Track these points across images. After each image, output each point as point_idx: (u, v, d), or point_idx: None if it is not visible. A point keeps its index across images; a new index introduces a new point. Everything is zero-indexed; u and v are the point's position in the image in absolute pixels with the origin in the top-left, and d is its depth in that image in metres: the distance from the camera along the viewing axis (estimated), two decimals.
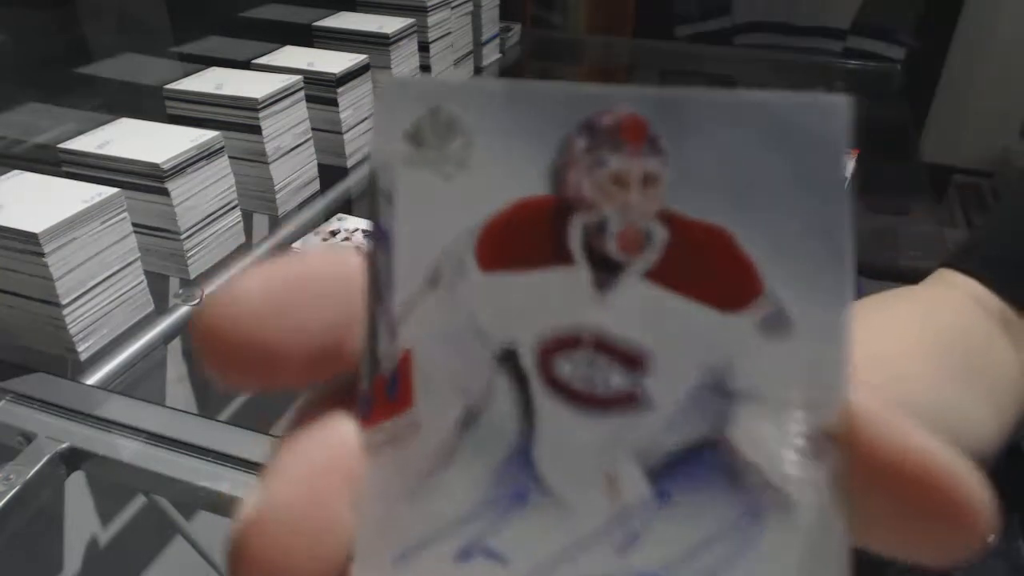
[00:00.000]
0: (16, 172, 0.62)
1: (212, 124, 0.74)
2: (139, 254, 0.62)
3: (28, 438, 0.53)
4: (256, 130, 0.75)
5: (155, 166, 0.64)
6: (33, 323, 0.58)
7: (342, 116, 0.87)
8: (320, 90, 0.85)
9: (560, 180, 0.13)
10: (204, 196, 0.68)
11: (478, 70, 1.20)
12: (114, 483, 0.75)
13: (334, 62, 0.87)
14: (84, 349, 0.59)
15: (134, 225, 0.62)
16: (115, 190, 0.59)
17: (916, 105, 1.69)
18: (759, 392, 0.13)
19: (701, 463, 0.13)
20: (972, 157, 1.95)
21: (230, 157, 0.71)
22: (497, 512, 0.13)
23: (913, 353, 0.30)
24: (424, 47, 1.03)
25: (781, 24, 1.82)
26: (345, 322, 0.13)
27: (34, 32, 0.70)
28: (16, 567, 0.70)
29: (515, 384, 0.13)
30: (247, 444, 0.53)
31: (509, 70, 1.28)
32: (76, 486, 0.75)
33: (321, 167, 0.85)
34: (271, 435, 0.54)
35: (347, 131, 0.88)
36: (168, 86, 0.77)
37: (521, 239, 0.13)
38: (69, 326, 0.57)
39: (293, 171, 0.81)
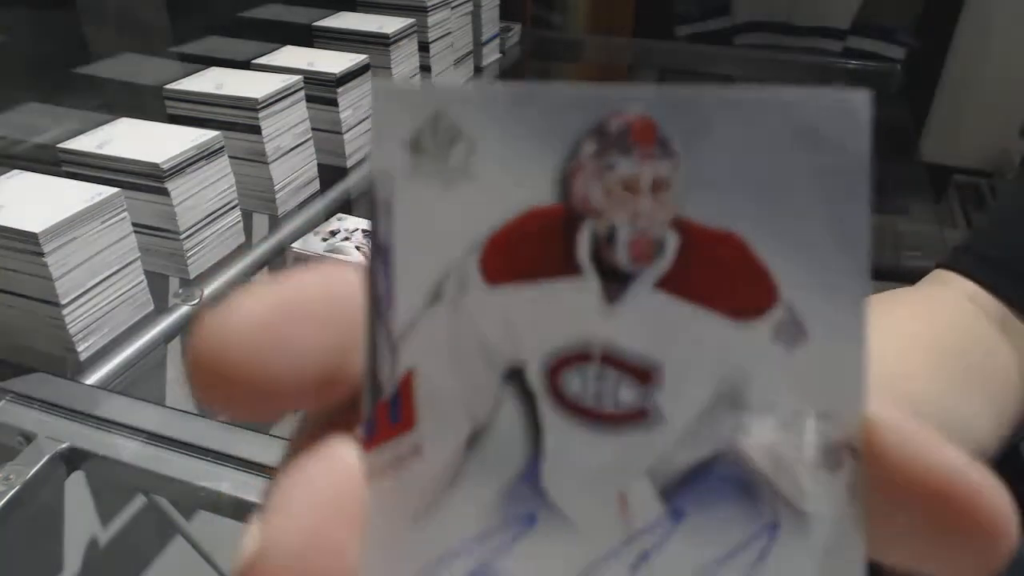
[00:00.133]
0: (16, 172, 0.62)
1: (212, 124, 0.74)
2: (139, 254, 0.62)
3: (28, 438, 0.53)
4: (256, 130, 0.75)
5: (155, 166, 0.64)
6: (33, 323, 0.58)
7: (342, 116, 0.87)
8: (320, 90, 0.85)
9: (567, 187, 0.13)
10: (204, 196, 0.68)
11: (478, 70, 1.20)
12: (114, 483, 0.75)
13: (334, 62, 0.87)
14: (84, 349, 0.59)
15: (134, 225, 0.62)
16: (115, 190, 0.59)
17: (916, 105, 1.69)
18: (774, 403, 0.13)
19: (715, 478, 0.13)
20: (972, 157, 1.95)
21: (230, 157, 0.71)
22: (505, 534, 0.13)
23: (911, 354, 0.30)
24: (424, 47, 1.03)
25: (781, 24, 1.82)
26: (344, 344, 0.13)
27: (34, 32, 0.70)
28: (16, 567, 0.70)
29: (522, 402, 0.13)
30: (247, 444, 0.52)
31: (509, 70, 1.28)
32: (76, 486, 0.75)
33: (321, 167, 0.85)
34: (271, 435, 0.54)
35: (347, 131, 0.88)
36: (168, 86, 0.77)
37: (527, 250, 0.13)
38: (69, 326, 0.57)
39: (293, 171, 0.81)
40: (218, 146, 0.69)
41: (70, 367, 0.60)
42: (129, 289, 0.62)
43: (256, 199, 0.80)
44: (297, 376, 0.12)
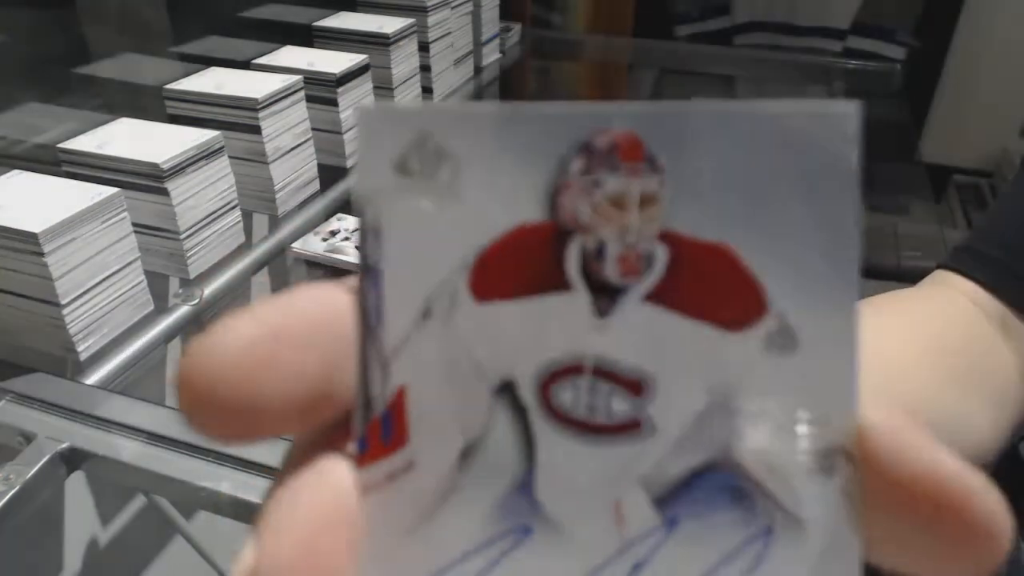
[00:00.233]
0: (16, 172, 0.62)
1: (212, 124, 0.74)
2: (139, 254, 0.62)
3: (28, 438, 0.53)
4: (256, 130, 0.75)
5: (155, 166, 0.64)
6: (33, 323, 0.58)
7: (342, 116, 0.87)
8: (320, 90, 0.85)
9: (555, 204, 0.13)
10: (204, 196, 0.68)
11: (478, 70, 1.20)
12: (114, 483, 0.75)
13: (334, 62, 0.87)
14: (84, 349, 0.59)
15: (134, 225, 0.62)
16: (115, 190, 0.59)
17: (916, 105, 1.69)
18: (766, 411, 0.13)
19: (708, 486, 0.13)
20: (972, 157, 1.95)
21: (230, 157, 0.71)
22: (500, 547, 0.13)
23: (910, 355, 0.30)
24: (424, 47, 1.03)
25: (781, 24, 1.82)
26: (334, 364, 0.13)
27: (34, 32, 0.70)
28: (16, 567, 0.70)
29: (514, 416, 0.13)
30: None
31: (509, 70, 1.28)
32: (76, 486, 0.75)
33: (321, 167, 0.85)
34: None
35: (347, 131, 0.88)
36: (168, 86, 0.77)
37: (516, 267, 0.13)
38: (69, 326, 0.57)
39: (293, 171, 0.81)
40: (218, 146, 0.69)
41: (70, 367, 0.60)
42: (129, 289, 0.62)
43: (256, 199, 0.80)
44: (287, 399, 0.12)
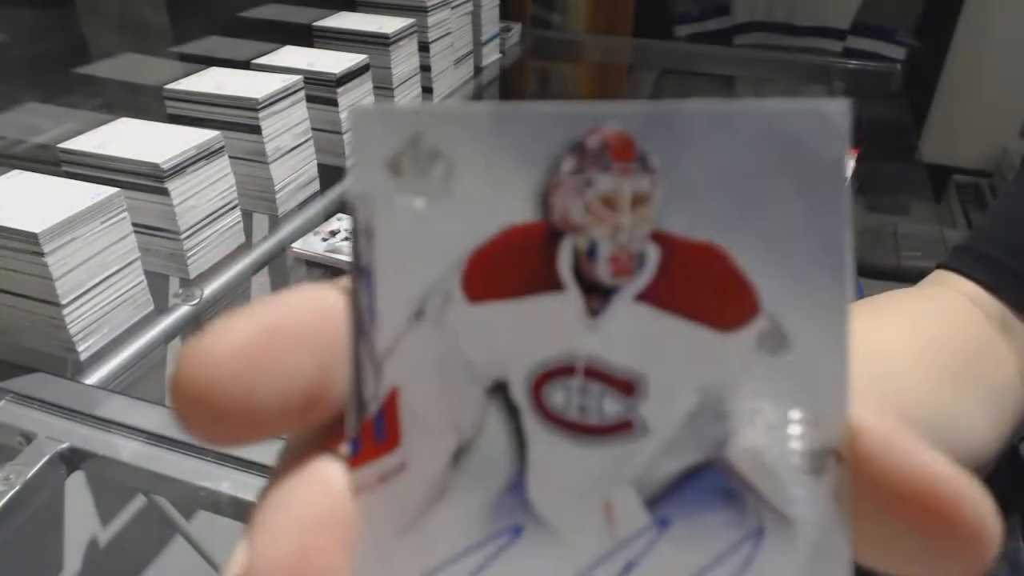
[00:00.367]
0: (16, 172, 0.62)
1: (212, 124, 0.74)
2: (139, 254, 0.62)
3: (28, 438, 0.53)
4: (256, 130, 0.75)
5: (155, 166, 0.64)
6: (33, 323, 0.58)
7: (342, 116, 0.87)
8: (320, 90, 0.85)
9: (547, 203, 0.13)
10: (204, 196, 0.68)
11: (478, 70, 1.20)
12: (114, 483, 0.75)
13: (334, 62, 0.87)
14: (84, 349, 0.59)
15: (134, 225, 0.62)
16: (115, 190, 0.59)
17: (916, 105, 1.69)
18: (758, 411, 0.13)
19: (700, 486, 0.13)
20: (972, 157, 1.95)
21: (230, 157, 0.71)
22: (492, 547, 0.13)
23: (909, 356, 0.30)
24: (424, 47, 1.03)
25: (781, 24, 1.82)
26: (328, 366, 0.13)
27: (34, 32, 0.70)
28: (16, 567, 0.70)
29: (506, 416, 0.13)
30: None
31: (509, 70, 1.28)
32: (76, 486, 0.75)
33: (321, 167, 0.85)
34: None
35: (347, 131, 0.88)
36: (168, 86, 0.77)
37: (509, 267, 0.13)
38: (69, 326, 0.57)
39: (293, 171, 0.81)
40: (218, 146, 0.69)
41: (70, 367, 0.60)
42: (129, 289, 0.62)
43: (256, 199, 0.80)
44: (281, 401, 0.12)
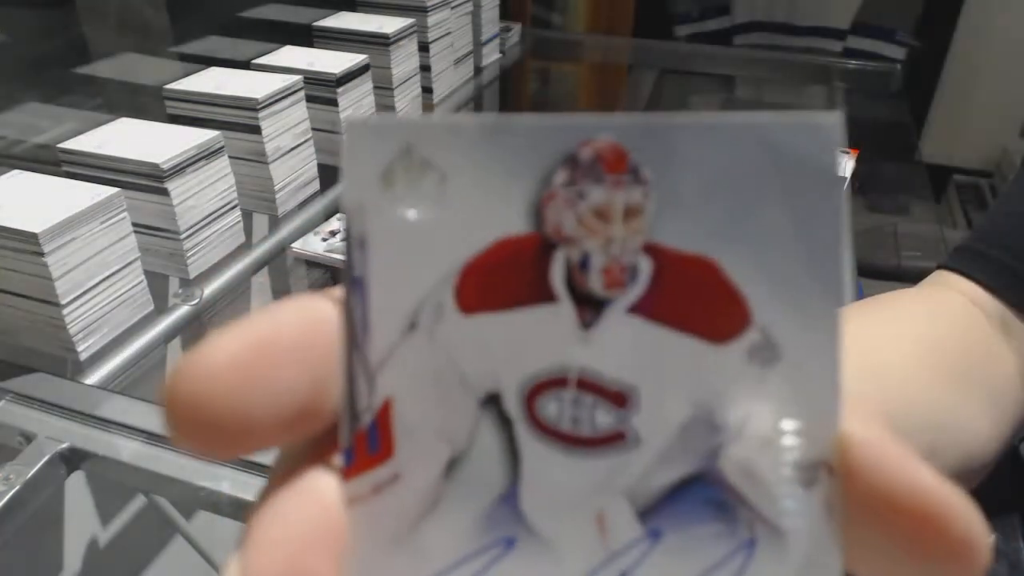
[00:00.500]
0: (16, 172, 0.62)
1: (212, 124, 0.74)
2: (139, 254, 0.62)
3: (28, 438, 0.53)
4: (256, 130, 0.75)
5: (155, 166, 0.64)
6: (33, 323, 0.58)
7: (342, 116, 0.87)
8: (320, 90, 0.85)
9: (540, 216, 0.13)
10: (204, 196, 0.68)
11: (478, 70, 1.20)
12: (114, 483, 0.75)
13: (334, 62, 0.87)
14: (84, 349, 0.59)
15: (134, 225, 0.62)
16: (115, 190, 0.59)
17: (916, 105, 1.69)
18: (749, 423, 0.13)
19: (692, 498, 0.13)
20: (972, 157, 1.95)
21: (230, 157, 0.71)
22: (485, 558, 0.13)
23: (910, 357, 0.30)
24: (424, 47, 1.03)
25: (781, 24, 1.82)
26: (321, 377, 0.13)
27: (34, 32, 0.70)
28: (16, 567, 0.70)
29: (499, 427, 0.13)
30: None
31: (509, 70, 1.28)
32: (76, 486, 0.75)
33: (321, 167, 0.85)
34: None
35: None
36: (168, 86, 0.77)
37: (501, 278, 0.13)
38: (69, 326, 0.57)
39: (293, 171, 0.81)
40: (218, 146, 0.69)
41: (70, 367, 0.60)
42: (129, 289, 0.62)
43: (256, 199, 0.80)
44: (275, 414, 0.12)
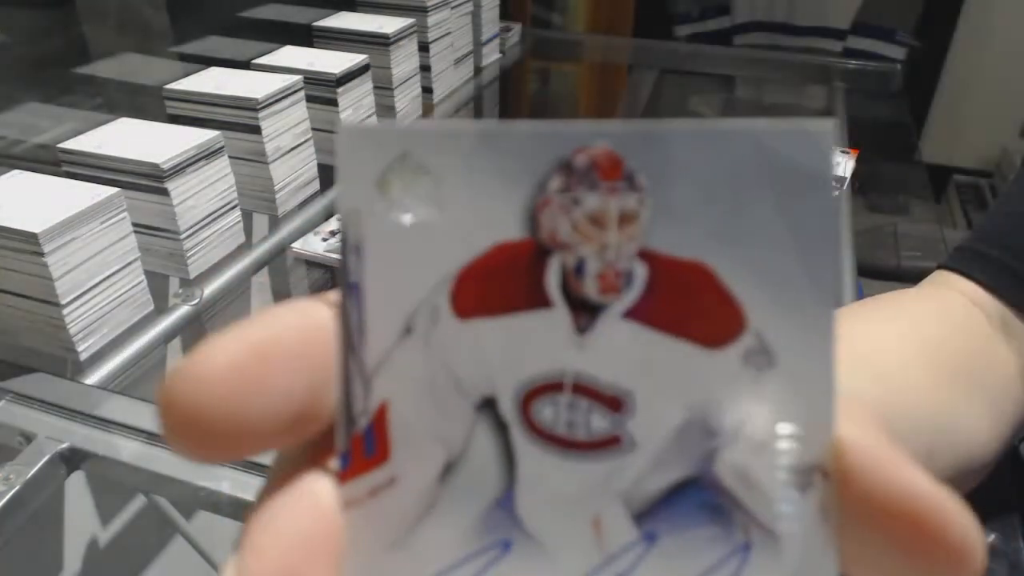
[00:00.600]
0: (16, 172, 0.62)
1: (212, 124, 0.74)
2: (139, 254, 0.62)
3: (28, 438, 0.53)
4: (256, 130, 0.75)
5: (155, 166, 0.64)
6: (33, 323, 0.58)
7: (342, 116, 0.87)
8: (320, 90, 0.85)
9: (535, 221, 0.13)
10: (204, 196, 0.68)
11: (478, 70, 1.20)
12: (114, 483, 0.75)
13: (334, 62, 0.87)
14: (84, 349, 0.59)
15: (134, 225, 0.62)
16: (115, 190, 0.59)
17: (916, 105, 1.69)
18: (744, 428, 0.13)
19: (687, 502, 0.13)
20: (972, 157, 1.95)
21: (230, 157, 0.71)
22: (481, 561, 0.13)
23: (909, 357, 0.30)
24: (424, 47, 1.03)
25: (781, 24, 1.82)
26: (318, 381, 0.13)
27: (34, 32, 0.70)
28: (16, 567, 0.70)
29: (495, 431, 0.13)
30: None
31: (509, 70, 1.28)
32: (76, 486, 0.75)
33: (321, 167, 0.85)
34: None
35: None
36: (168, 86, 0.77)
37: (497, 284, 0.13)
38: (69, 326, 0.57)
39: (293, 171, 0.81)
40: (218, 146, 0.69)
41: (70, 367, 0.60)
42: (129, 289, 0.62)
43: (256, 199, 0.80)
44: (271, 419, 0.12)
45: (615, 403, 0.13)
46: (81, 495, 0.76)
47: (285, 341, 0.13)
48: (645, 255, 0.13)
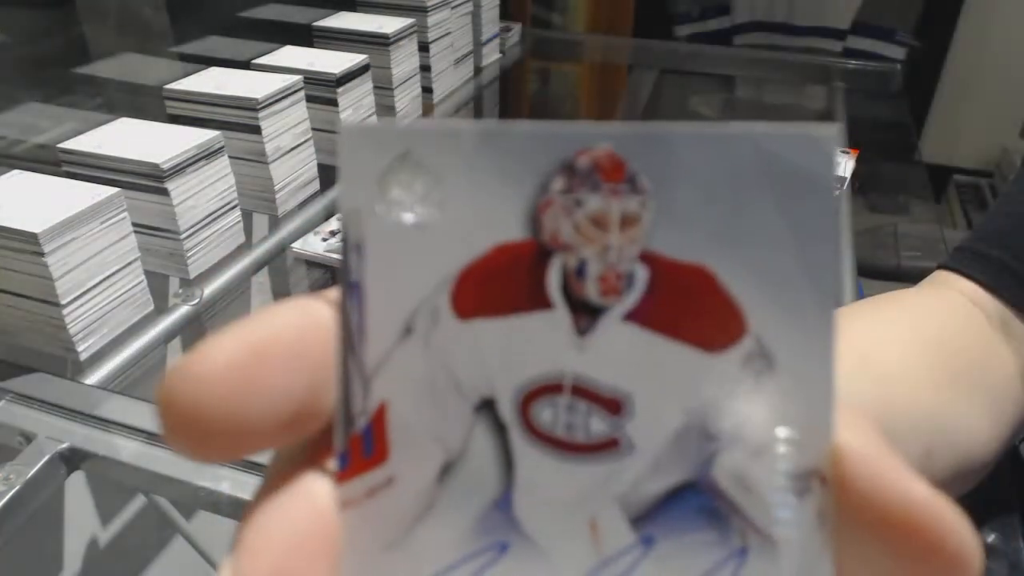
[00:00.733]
0: (16, 172, 0.62)
1: (212, 124, 0.74)
2: (139, 254, 0.62)
3: (28, 438, 0.53)
4: (256, 130, 0.75)
5: (155, 166, 0.64)
6: (33, 323, 0.58)
7: (342, 116, 0.87)
8: (320, 90, 0.85)
9: (537, 222, 0.13)
10: (204, 196, 0.68)
11: (478, 70, 1.20)
12: (114, 483, 0.75)
13: (334, 62, 0.87)
14: (84, 349, 0.59)
15: (134, 225, 0.62)
16: (115, 190, 0.59)
17: (916, 105, 1.69)
18: (743, 432, 0.13)
19: (685, 506, 0.13)
20: (972, 157, 1.95)
21: (230, 157, 0.71)
22: (479, 563, 0.13)
23: (909, 356, 0.30)
24: (424, 47, 1.03)
25: (781, 24, 1.82)
26: (317, 383, 0.13)
27: (34, 32, 0.70)
28: (16, 567, 0.70)
29: (494, 433, 0.13)
30: None
31: (509, 70, 1.28)
32: (76, 486, 0.75)
33: (321, 167, 0.85)
34: None
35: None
36: (168, 86, 0.77)
37: (498, 285, 0.13)
38: (69, 326, 0.57)
39: (293, 171, 0.81)
40: (218, 146, 0.69)
41: (70, 367, 0.60)
42: (129, 289, 0.62)
43: (256, 199, 0.80)
44: (270, 418, 0.12)
45: (614, 406, 0.13)
46: (81, 495, 0.76)
47: (284, 340, 0.13)
48: (646, 257, 0.13)
